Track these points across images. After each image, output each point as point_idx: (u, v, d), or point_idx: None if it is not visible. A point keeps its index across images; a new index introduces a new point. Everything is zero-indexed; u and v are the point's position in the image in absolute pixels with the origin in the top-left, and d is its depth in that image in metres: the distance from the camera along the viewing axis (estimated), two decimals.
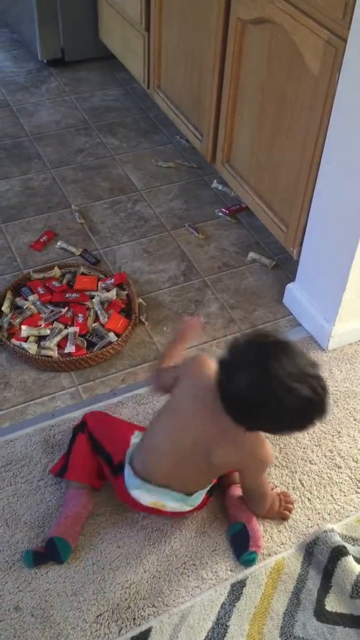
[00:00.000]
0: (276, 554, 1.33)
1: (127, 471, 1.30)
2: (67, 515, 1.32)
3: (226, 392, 1.10)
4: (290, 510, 1.39)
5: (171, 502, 1.29)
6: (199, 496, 1.31)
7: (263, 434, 1.22)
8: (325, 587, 1.28)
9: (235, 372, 1.08)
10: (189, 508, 1.32)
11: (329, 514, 1.40)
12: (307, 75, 1.53)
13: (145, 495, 1.29)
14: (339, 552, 1.30)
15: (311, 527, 1.38)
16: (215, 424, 1.17)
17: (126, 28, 2.47)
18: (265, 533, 1.36)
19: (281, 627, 1.23)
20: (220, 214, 2.17)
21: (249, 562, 1.31)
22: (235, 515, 1.35)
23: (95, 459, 1.38)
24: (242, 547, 1.32)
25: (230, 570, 1.31)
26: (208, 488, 1.33)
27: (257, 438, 1.22)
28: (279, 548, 1.34)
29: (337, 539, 1.32)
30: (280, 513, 1.38)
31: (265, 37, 1.67)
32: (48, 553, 1.28)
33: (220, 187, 2.27)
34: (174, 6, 2.11)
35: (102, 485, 1.39)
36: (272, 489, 1.39)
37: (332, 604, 1.26)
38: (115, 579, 1.28)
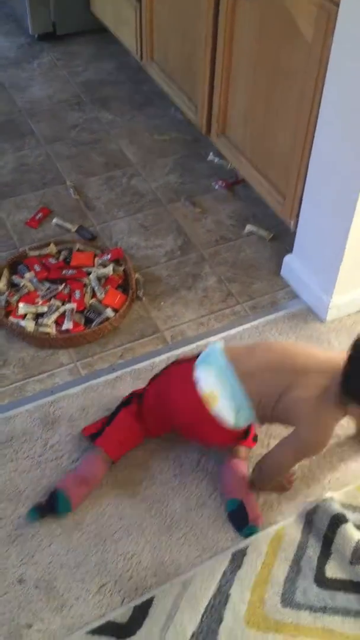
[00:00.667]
0: (276, 523, 1.34)
1: (212, 349, 1.33)
2: (77, 475, 1.35)
3: (348, 381, 1.20)
4: (290, 483, 1.40)
5: (226, 399, 1.28)
6: (248, 421, 1.33)
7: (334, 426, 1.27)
8: (325, 554, 1.30)
9: None
10: (231, 420, 1.29)
11: (328, 482, 1.41)
12: (301, 41, 1.50)
13: (210, 377, 1.29)
14: (338, 520, 1.31)
15: (311, 495, 1.38)
16: (322, 377, 1.24)
17: None
18: (265, 502, 1.37)
19: (282, 594, 1.25)
20: (216, 186, 2.16)
21: (251, 535, 1.32)
22: (230, 492, 1.36)
23: (131, 438, 1.41)
24: (242, 523, 1.33)
25: (231, 540, 1.32)
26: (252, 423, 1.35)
27: (329, 420, 1.26)
28: (279, 517, 1.35)
29: (337, 507, 1.33)
30: (281, 485, 1.38)
31: (258, 3, 1.64)
32: (48, 504, 1.31)
33: (216, 159, 2.24)
34: None
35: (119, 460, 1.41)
36: None
37: (332, 571, 1.27)
38: (118, 550, 1.30)
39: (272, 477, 1.36)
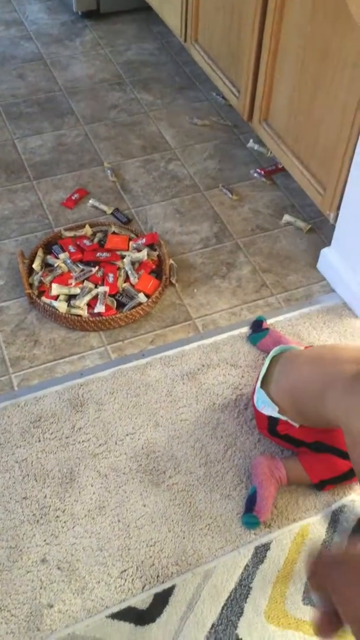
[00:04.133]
0: (301, 519, 1.33)
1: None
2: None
3: None
4: None
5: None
6: (266, 406, 1.36)
7: None
8: None
9: None
10: (255, 397, 1.40)
11: (356, 484, 1.39)
12: (353, 29, 1.45)
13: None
14: None
15: (337, 494, 1.37)
16: (346, 373, 1.21)
17: None
18: (290, 499, 1.36)
19: (304, 592, 1.24)
20: (255, 174, 2.12)
21: (247, 525, 1.31)
22: (255, 479, 1.36)
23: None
24: (247, 510, 1.32)
25: (255, 534, 1.31)
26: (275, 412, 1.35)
27: None
28: (304, 514, 1.34)
29: None
30: None
31: None
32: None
33: (256, 146, 2.20)
34: None
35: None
36: None
37: None
38: (140, 537, 1.30)
39: None
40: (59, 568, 1.26)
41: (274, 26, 1.77)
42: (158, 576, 1.25)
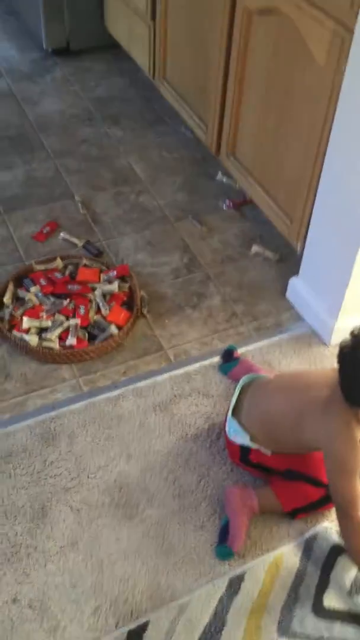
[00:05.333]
0: (275, 549, 1.33)
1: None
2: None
3: (345, 362, 1.21)
4: None
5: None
6: (238, 436, 1.38)
7: (354, 432, 1.21)
8: (323, 583, 1.28)
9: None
10: (227, 427, 1.42)
11: (328, 511, 1.39)
12: (313, 66, 1.51)
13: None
14: (338, 550, 1.30)
15: (310, 522, 1.37)
16: (319, 398, 1.27)
17: (131, 17, 2.44)
18: (264, 528, 1.35)
19: (279, 622, 1.23)
20: (224, 206, 2.16)
21: (220, 556, 1.31)
22: (227, 509, 1.35)
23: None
24: (222, 540, 1.32)
25: (228, 565, 1.30)
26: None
27: (347, 430, 1.21)
28: (277, 543, 1.34)
29: (336, 537, 1.31)
30: None
31: (272, 27, 1.65)
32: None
33: (224, 179, 2.25)
34: None
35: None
36: None
37: (330, 601, 1.26)
38: (114, 572, 1.28)
39: (346, 520, 1.25)
40: (30, 607, 1.23)
41: (238, 64, 1.83)
42: (132, 612, 1.23)
